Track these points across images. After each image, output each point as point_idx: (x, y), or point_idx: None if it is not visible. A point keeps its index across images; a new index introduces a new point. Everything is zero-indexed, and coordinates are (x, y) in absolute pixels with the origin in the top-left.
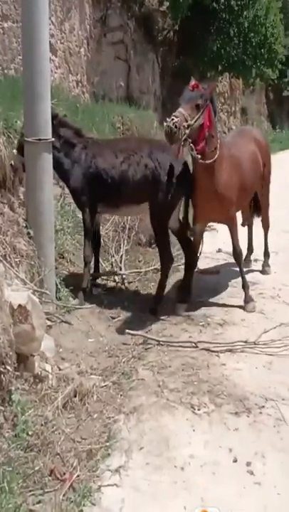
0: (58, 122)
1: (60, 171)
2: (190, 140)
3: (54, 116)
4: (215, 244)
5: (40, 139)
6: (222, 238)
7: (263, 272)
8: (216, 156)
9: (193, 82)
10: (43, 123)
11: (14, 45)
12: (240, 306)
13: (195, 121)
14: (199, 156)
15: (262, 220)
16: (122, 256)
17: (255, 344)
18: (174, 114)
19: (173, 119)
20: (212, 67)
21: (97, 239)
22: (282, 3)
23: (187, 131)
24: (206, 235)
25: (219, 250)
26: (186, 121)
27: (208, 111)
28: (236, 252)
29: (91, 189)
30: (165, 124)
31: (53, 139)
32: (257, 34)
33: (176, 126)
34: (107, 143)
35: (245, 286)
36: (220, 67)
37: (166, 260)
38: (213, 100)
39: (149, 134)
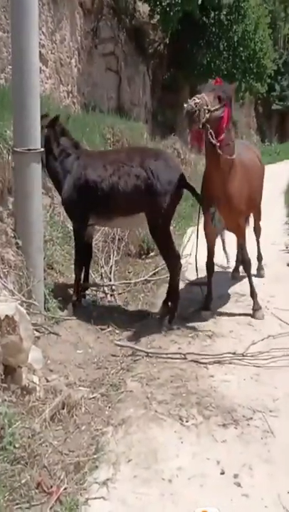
0: (60, 129)
1: (55, 180)
2: (209, 126)
3: (55, 121)
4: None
5: (29, 149)
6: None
7: (259, 275)
8: (234, 157)
9: (216, 79)
10: (32, 133)
11: (4, 54)
12: (228, 318)
13: (215, 110)
14: (218, 144)
15: (255, 228)
16: (111, 267)
17: (243, 356)
18: (195, 96)
19: (195, 100)
20: (202, 80)
21: (88, 251)
22: (271, 18)
23: (207, 115)
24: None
25: None
26: (207, 105)
27: (228, 109)
28: (245, 261)
29: (82, 200)
30: (185, 104)
31: (43, 149)
32: (246, 48)
33: (197, 106)
34: (98, 154)
35: (253, 294)
36: (210, 80)
37: (174, 261)
38: (231, 105)
39: (139, 145)
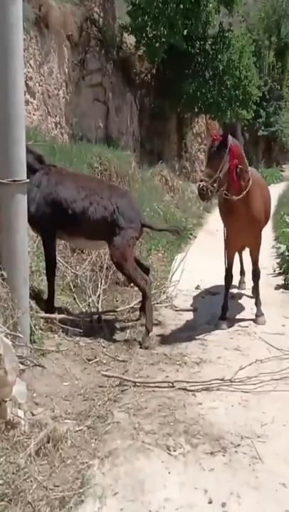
0: None
1: None
2: (222, 189)
3: None
4: (193, 281)
5: (14, 181)
6: (200, 276)
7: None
8: (250, 184)
9: (213, 134)
10: (18, 165)
11: None
12: (216, 343)
13: (220, 172)
14: (235, 198)
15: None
16: (99, 296)
17: (231, 382)
18: (201, 175)
19: (200, 185)
20: (189, 108)
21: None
22: (256, 47)
23: (215, 185)
24: (184, 274)
25: (197, 287)
26: (212, 177)
27: (231, 152)
28: (256, 274)
29: (51, 215)
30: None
31: (28, 180)
32: (231, 77)
33: (203, 189)
34: (69, 175)
35: (257, 302)
36: (196, 109)
37: (142, 284)
38: (236, 134)
39: (127, 173)
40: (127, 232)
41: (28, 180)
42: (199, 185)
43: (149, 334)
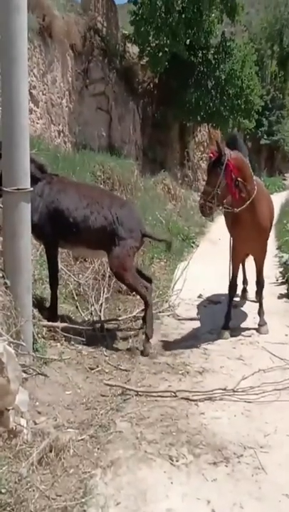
0: None
1: None
2: (225, 202)
3: None
4: (195, 290)
5: (18, 189)
6: (202, 285)
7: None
8: (255, 193)
9: (210, 150)
10: (22, 173)
11: None
12: (219, 352)
13: (218, 187)
14: (236, 210)
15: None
16: (101, 304)
17: (234, 391)
18: (200, 193)
19: (200, 201)
20: (191, 117)
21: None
22: (258, 56)
23: (214, 201)
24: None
25: (200, 296)
26: (210, 194)
27: (228, 167)
28: (260, 283)
29: (53, 223)
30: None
31: (32, 189)
32: (233, 86)
33: (202, 206)
34: (71, 184)
35: (261, 311)
36: (198, 118)
37: (143, 291)
38: (237, 145)
39: (129, 182)
40: (127, 242)
41: (31, 189)
42: (199, 202)
43: (150, 341)
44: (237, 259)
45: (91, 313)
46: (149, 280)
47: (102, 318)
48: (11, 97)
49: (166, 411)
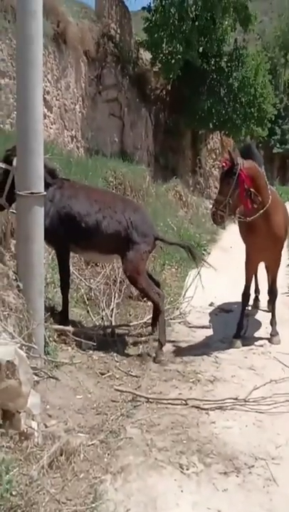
0: None
1: None
2: (237, 211)
3: None
4: (206, 298)
5: (32, 193)
6: (213, 293)
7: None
8: (270, 202)
9: (222, 159)
10: (36, 177)
11: (11, 100)
12: (230, 362)
13: (229, 197)
14: (248, 219)
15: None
16: (112, 309)
17: (245, 401)
18: (212, 201)
19: (212, 209)
20: (203, 125)
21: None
22: (271, 64)
23: (226, 210)
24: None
25: (211, 304)
26: (222, 203)
27: (240, 177)
28: (274, 292)
29: (64, 228)
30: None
31: (45, 193)
32: (246, 94)
33: (214, 215)
34: (82, 188)
35: (273, 321)
36: (211, 125)
37: (156, 297)
38: (251, 154)
39: (141, 188)
40: (141, 247)
41: (45, 193)
42: (211, 210)
43: (162, 348)
44: (251, 268)
45: (102, 318)
46: (158, 284)
47: (113, 324)
48: (25, 102)
49: (176, 419)
